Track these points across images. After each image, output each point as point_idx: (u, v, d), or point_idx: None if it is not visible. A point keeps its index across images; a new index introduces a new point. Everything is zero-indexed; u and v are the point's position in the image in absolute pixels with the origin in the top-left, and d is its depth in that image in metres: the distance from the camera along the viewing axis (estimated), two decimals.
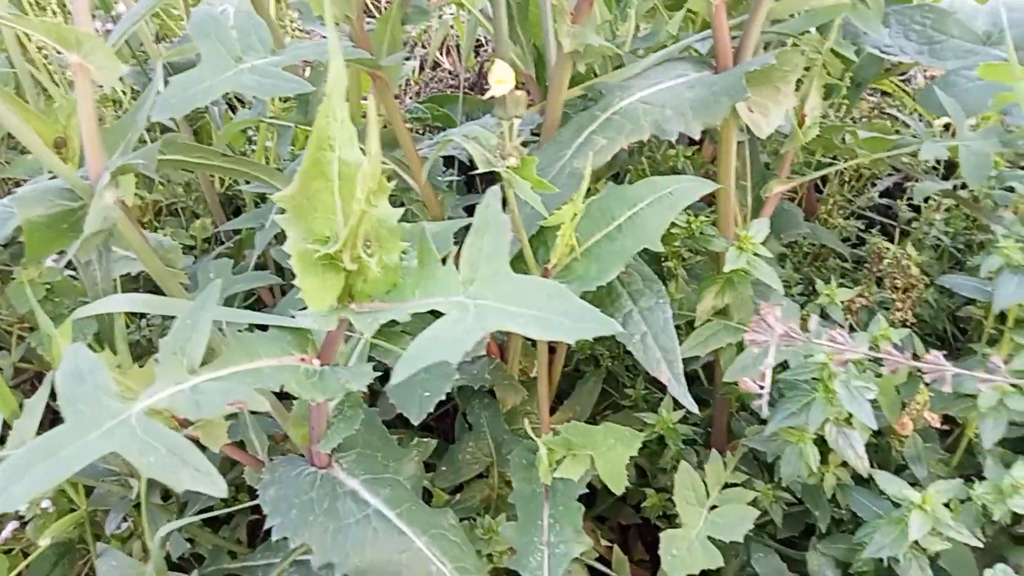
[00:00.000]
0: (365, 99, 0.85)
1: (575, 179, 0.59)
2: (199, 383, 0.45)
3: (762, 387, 0.42)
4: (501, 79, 0.47)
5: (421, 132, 1.16)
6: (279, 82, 0.51)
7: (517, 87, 0.50)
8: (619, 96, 0.64)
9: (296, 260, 0.43)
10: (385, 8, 0.72)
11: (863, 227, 1.09)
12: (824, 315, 0.76)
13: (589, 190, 0.79)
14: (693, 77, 0.65)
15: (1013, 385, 0.57)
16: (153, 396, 0.44)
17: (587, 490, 0.67)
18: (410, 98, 1.48)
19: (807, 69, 0.77)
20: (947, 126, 1.11)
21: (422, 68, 1.48)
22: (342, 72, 0.41)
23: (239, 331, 0.61)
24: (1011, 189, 0.70)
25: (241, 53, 0.54)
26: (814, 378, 0.57)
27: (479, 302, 0.41)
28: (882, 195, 1.12)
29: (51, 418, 0.55)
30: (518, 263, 0.60)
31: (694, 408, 0.57)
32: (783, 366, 0.67)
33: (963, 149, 0.73)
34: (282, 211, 0.43)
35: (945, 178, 1.03)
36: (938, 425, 0.64)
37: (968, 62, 0.81)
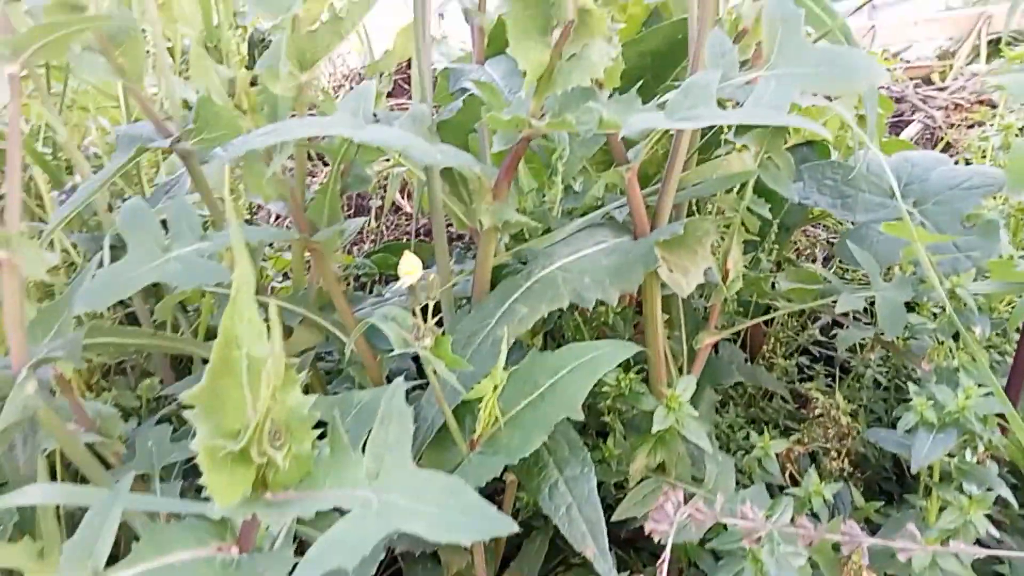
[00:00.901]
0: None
1: (498, 348, 0.60)
2: None
3: None
4: (409, 270, 0.50)
5: (374, 283, 1.19)
6: (202, 272, 0.53)
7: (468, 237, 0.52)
8: (541, 264, 0.67)
9: (202, 456, 0.43)
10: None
11: (808, 362, 1.12)
12: (762, 467, 0.76)
13: (525, 346, 0.82)
14: (611, 244, 0.69)
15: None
16: None
17: None
18: (369, 243, 1.53)
19: (727, 226, 0.82)
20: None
21: (380, 214, 1.53)
22: (249, 272, 0.43)
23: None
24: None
25: (171, 240, 0.57)
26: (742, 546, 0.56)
27: (383, 498, 0.41)
28: (823, 331, 1.15)
29: None
30: (444, 436, 0.60)
31: None
32: (724, 527, 0.66)
33: (879, 299, 0.76)
34: (192, 407, 0.43)
35: None
36: None
37: (878, 215, 0.86)
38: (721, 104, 0.71)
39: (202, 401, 0.43)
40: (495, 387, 0.57)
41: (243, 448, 0.44)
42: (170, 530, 0.50)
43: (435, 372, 0.54)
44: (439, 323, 0.80)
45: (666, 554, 0.44)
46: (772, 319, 1.15)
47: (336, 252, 1.16)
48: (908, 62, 2.07)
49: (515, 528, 0.39)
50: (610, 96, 0.67)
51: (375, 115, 0.79)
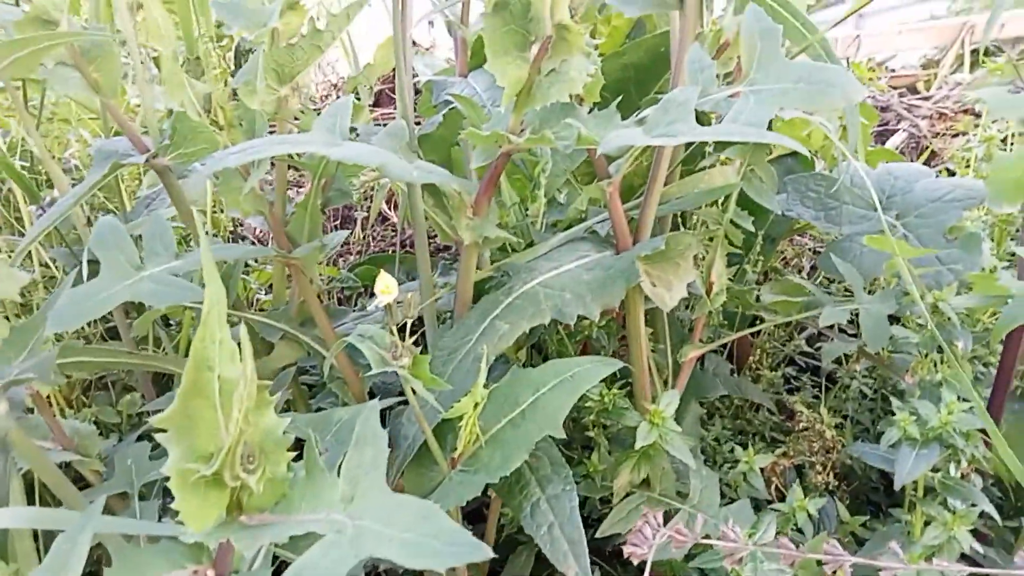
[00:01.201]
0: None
1: (479, 365, 0.60)
2: None
3: None
4: (385, 289, 0.49)
5: (358, 295, 1.19)
6: (174, 290, 0.52)
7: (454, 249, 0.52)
8: (523, 280, 0.66)
9: (174, 480, 0.42)
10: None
11: (794, 373, 1.12)
12: (747, 482, 0.76)
13: (510, 360, 0.81)
14: (593, 258, 0.68)
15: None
16: None
17: None
18: (355, 255, 1.52)
19: (711, 239, 0.82)
20: None
21: (366, 225, 1.53)
22: (219, 293, 0.42)
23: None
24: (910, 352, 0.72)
25: (144, 259, 0.56)
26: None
27: (357, 523, 0.40)
28: (809, 341, 1.15)
29: None
30: (426, 454, 0.60)
31: None
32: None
33: (862, 312, 0.76)
34: (163, 430, 0.43)
35: None
36: None
37: (861, 227, 0.86)
38: (704, 118, 0.71)
39: (174, 424, 0.43)
40: (475, 405, 0.57)
41: (216, 472, 0.43)
42: (144, 553, 0.49)
43: (414, 391, 0.54)
44: (422, 337, 0.79)
45: None
46: (759, 330, 1.15)
47: (320, 264, 1.16)
48: (893, 71, 2.08)
49: (490, 554, 0.38)
50: (590, 110, 0.67)
51: (355, 130, 0.79)
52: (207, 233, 1.02)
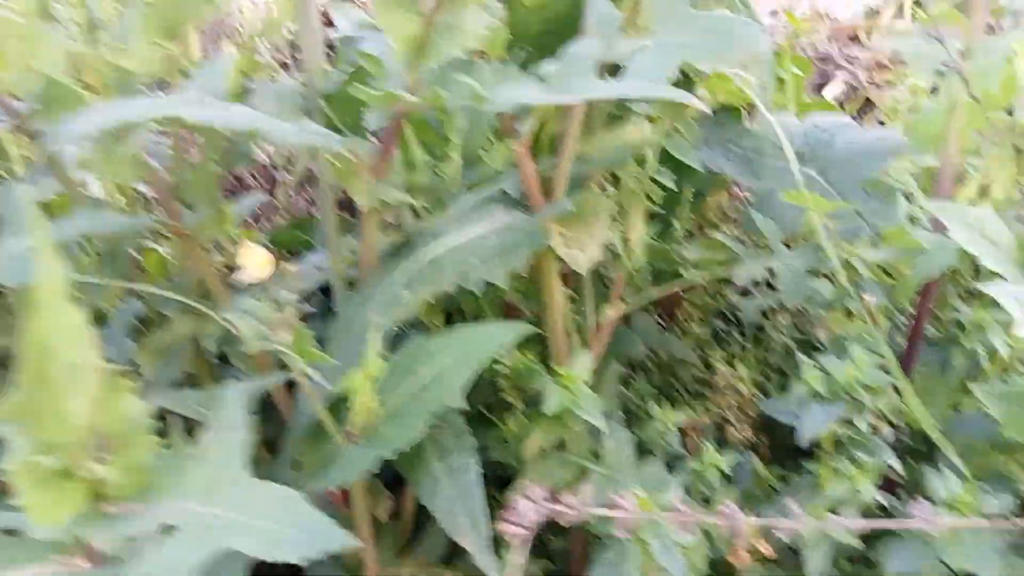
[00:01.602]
0: None
1: (376, 335, 0.57)
2: None
3: None
4: (261, 263, 0.46)
5: (281, 260, 1.14)
6: (30, 268, 0.48)
7: None
8: (428, 244, 0.64)
9: (21, 475, 0.40)
10: None
11: (724, 326, 1.11)
12: (664, 440, 0.75)
13: (426, 325, 0.79)
14: (504, 222, 0.66)
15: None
16: None
17: None
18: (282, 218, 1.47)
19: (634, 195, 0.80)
20: None
21: (291, 187, 1.47)
22: (55, 273, 0.39)
23: None
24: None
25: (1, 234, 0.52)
26: None
27: (214, 512, 0.38)
28: (743, 295, 1.15)
29: None
30: (319, 430, 0.58)
31: None
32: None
33: (781, 267, 0.75)
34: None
35: None
36: (772, 555, 0.63)
37: (783, 182, 0.85)
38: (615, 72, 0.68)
39: (16, 415, 0.40)
40: (369, 377, 0.55)
41: (65, 463, 0.40)
42: (8, 545, 0.46)
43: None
44: (328, 308, 0.77)
45: (521, 558, 0.43)
46: (689, 287, 1.14)
47: (242, 228, 1.11)
48: (837, 20, 2.06)
49: (354, 542, 0.37)
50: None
51: (252, 88, 0.74)
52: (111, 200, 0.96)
